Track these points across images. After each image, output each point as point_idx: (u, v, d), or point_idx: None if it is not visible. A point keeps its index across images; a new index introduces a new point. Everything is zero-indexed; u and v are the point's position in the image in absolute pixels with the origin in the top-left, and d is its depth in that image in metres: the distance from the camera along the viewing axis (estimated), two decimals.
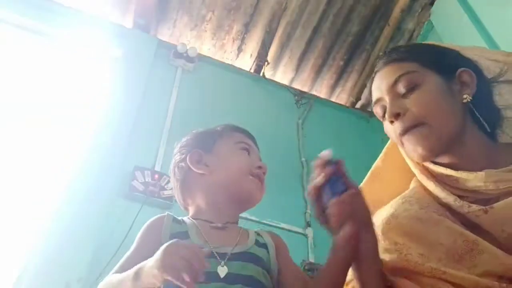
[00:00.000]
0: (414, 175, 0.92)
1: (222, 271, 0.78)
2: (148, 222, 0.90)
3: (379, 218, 0.86)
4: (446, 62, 0.87)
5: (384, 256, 0.80)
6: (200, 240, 0.84)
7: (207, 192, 0.93)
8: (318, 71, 2.97)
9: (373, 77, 0.93)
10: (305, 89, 2.98)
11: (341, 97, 3.08)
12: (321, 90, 3.04)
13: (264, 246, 0.89)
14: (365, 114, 3.07)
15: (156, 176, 2.10)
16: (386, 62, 0.90)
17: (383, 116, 0.89)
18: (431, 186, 0.85)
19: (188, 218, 0.93)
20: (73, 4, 2.52)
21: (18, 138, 2.12)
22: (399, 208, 0.84)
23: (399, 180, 0.96)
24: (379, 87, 0.89)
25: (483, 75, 0.89)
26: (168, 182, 2.09)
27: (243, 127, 1.07)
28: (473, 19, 2.23)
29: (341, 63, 2.95)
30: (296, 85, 2.98)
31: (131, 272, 0.73)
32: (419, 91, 0.83)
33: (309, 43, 2.85)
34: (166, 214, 0.90)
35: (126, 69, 2.43)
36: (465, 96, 0.83)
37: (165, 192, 2.06)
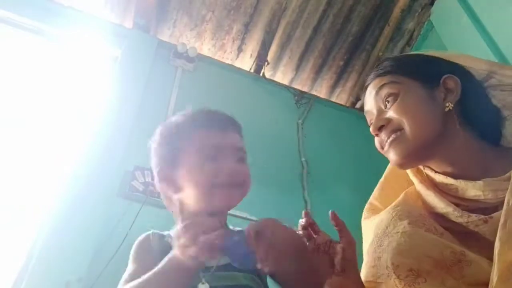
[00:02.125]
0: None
1: (202, 286, 0.77)
2: (136, 243, 0.87)
3: (373, 229, 0.89)
4: (429, 70, 0.89)
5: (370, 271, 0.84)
6: None
7: (184, 210, 0.88)
8: (318, 71, 2.97)
9: (364, 91, 0.97)
10: (305, 89, 2.99)
11: (341, 97, 3.08)
12: (321, 90, 3.04)
13: None
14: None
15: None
16: (373, 76, 0.93)
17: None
18: (430, 195, 0.87)
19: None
20: (73, 4, 2.52)
21: (18, 138, 2.12)
22: (390, 225, 0.86)
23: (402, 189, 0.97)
24: (368, 101, 0.93)
25: (472, 78, 0.89)
26: None
27: (243, 127, 1.05)
28: (473, 19, 2.23)
29: (341, 63, 2.95)
30: (296, 85, 2.98)
31: (151, 273, 0.73)
32: (399, 101, 0.86)
33: (309, 43, 2.85)
34: (151, 232, 0.88)
35: (126, 69, 2.43)
36: (447, 104, 0.85)
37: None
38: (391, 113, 0.86)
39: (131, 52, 2.50)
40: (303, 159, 2.59)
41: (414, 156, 0.85)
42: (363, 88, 3.02)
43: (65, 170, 2.08)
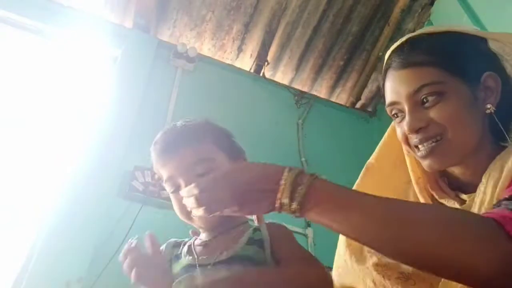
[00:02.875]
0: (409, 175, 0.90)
1: (201, 282, 0.79)
2: None
3: None
4: (472, 67, 0.79)
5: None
6: (190, 257, 0.87)
7: None
8: (318, 71, 2.97)
9: (386, 74, 0.85)
10: (305, 89, 2.98)
11: (341, 97, 3.08)
12: (321, 90, 3.04)
13: (259, 242, 0.87)
14: (365, 114, 3.07)
15: (156, 176, 2.10)
16: (405, 63, 0.81)
17: (396, 117, 0.84)
18: (421, 200, 0.84)
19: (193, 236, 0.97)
20: (73, 4, 2.52)
21: (18, 138, 2.12)
22: None
23: (394, 177, 0.92)
24: (397, 91, 0.81)
25: (507, 75, 0.81)
26: None
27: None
28: (473, 19, 2.23)
29: (341, 63, 2.95)
30: (296, 85, 2.98)
31: None
32: (443, 103, 0.76)
33: (309, 43, 2.85)
34: (166, 243, 0.95)
35: (126, 69, 2.43)
36: (488, 106, 0.77)
37: (165, 192, 2.05)
38: (432, 115, 0.77)
39: (131, 52, 2.50)
40: (303, 159, 2.59)
41: (452, 163, 0.79)
42: (363, 87, 3.04)
43: (65, 170, 2.08)
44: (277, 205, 0.64)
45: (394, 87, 0.82)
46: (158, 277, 0.81)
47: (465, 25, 0.87)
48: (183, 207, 0.85)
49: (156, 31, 2.70)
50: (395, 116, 0.84)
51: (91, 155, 2.08)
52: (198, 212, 0.67)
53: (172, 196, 0.91)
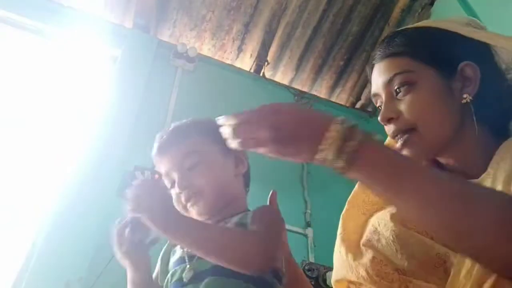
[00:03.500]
0: None
1: (187, 274, 0.81)
2: None
3: (369, 227, 0.86)
4: (447, 56, 0.78)
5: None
6: (182, 250, 0.88)
7: None
8: (318, 71, 2.97)
9: (371, 67, 0.86)
10: (305, 89, 2.99)
11: (341, 97, 3.08)
12: (321, 90, 3.04)
13: (243, 226, 0.85)
14: (365, 114, 3.07)
15: (156, 176, 2.10)
16: (382, 55, 0.82)
17: (380, 109, 0.85)
18: None
19: None
20: (73, 4, 2.52)
21: (18, 138, 2.12)
22: (381, 223, 0.83)
23: None
24: (376, 82, 0.83)
25: (493, 65, 0.80)
26: None
27: (214, 121, 1.05)
28: None
29: (341, 63, 2.95)
30: (296, 85, 2.98)
31: None
32: (413, 93, 0.77)
33: (309, 43, 2.85)
34: None
35: (126, 69, 2.43)
36: (465, 96, 0.77)
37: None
38: (403, 106, 0.78)
39: (131, 52, 2.50)
40: None
41: (429, 155, 0.80)
42: (363, 87, 3.04)
43: (65, 170, 2.08)
44: (317, 157, 0.60)
45: (374, 79, 0.84)
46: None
47: (456, 20, 0.84)
48: (179, 201, 0.90)
49: (156, 31, 2.70)
50: (380, 108, 0.84)
51: (91, 155, 2.08)
52: (232, 144, 0.66)
53: (171, 192, 0.94)
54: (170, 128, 1.02)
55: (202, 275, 0.79)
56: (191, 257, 0.83)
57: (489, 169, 0.73)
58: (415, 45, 0.80)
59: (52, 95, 2.32)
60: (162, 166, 0.96)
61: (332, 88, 3.05)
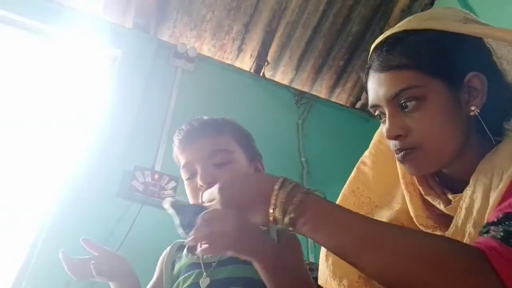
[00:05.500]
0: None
1: (204, 282, 0.81)
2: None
3: None
4: (454, 67, 0.75)
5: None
6: (193, 256, 0.88)
7: None
8: (318, 71, 2.97)
9: (367, 74, 0.82)
10: (305, 89, 2.99)
11: (341, 97, 3.08)
12: (321, 90, 3.04)
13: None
14: (365, 114, 3.07)
15: (156, 176, 2.10)
16: (383, 66, 0.78)
17: (380, 118, 0.83)
18: (407, 197, 0.83)
19: None
20: (73, 4, 2.52)
21: (18, 138, 2.12)
22: None
23: (385, 173, 0.91)
24: (376, 94, 0.79)
25: (499, 75, 0.77)
26: (168, 182, 2.10)
27: (243, 127, 1.05)
28: None
29: (341, 63, 2.95)
30: (296, 85, 2.98)
31: None
32: (423, 110, 0.73)
33: (309, 43, 2.85)
34: (172, 243, 0.96)
35: (126, 69, 2.43)
36: (472, 108, 0.73)
37: (165, 192, 2.06)
38: (413, 124, 0.74)
39: (131, 52, 2.50)
40: (303, 159, 2.59)
41: (431, 170, 0.77)
42: (363, 88, 3.03)
43: (65, 170, 2.08)
44: (271, 218, 0.64)
45: (374, 90, 0.79)
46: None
47: (452, 14, 0.80)
48: (196, 194, 0.88)
49: (156, 31, 2.70)
50: (379, 117, 0.82)
51: (91, 155, 2.08)
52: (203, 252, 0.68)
53: (186, 183, 0.92)
54: (202, 119, 0.99)
55: (218, 284, 0.80)
56: (208, 265, 0.83)
57: (470, 182, 0.72)
58: (419, 56, 0.75)
59: (52, 95, 2.31)
60: (186, 154, 0.93)
61: (332, 88, 3.05)
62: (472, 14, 0.82)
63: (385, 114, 0.78)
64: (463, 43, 0.75)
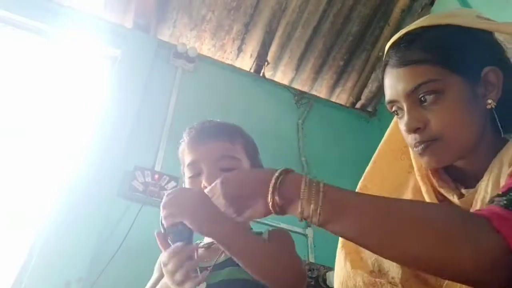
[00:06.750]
0: (411, 164, 0.89)
1: (200, 286, 0.80)
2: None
3: None
4: (471, 62, 0.77)
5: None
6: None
7: None
8: (318, 71, 2.97)
9: (384, 70, 0.84)
10: (305, 89, 2.99)
11: (341, 97, 3.08)
12: (321, 90, 3.04)
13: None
14: (365, 114, 3.08)
15: (156, 176, 2.10)
16: (402, 61, 0.79)
17: (397, 114, 0.84)
18: (423, 189, 0.84)
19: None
20: (73, 4, 2.52)
21: (18, 138, 2.12)
22: None
23: (396, 167, 0.92)
24: (395, 89, 0.80)
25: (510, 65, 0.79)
26: (168, 182, 2.10)
27: (243, 127, 1.06)
28: None
29: (341, 63, 2.95)
30: (296, 85, 2.98)
31: None
32: (441, 103, 0.75)
33: (309, 43, 2.85)
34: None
35: (126, 69, 2.43)
36: (489, 101, 0.75)
37: (165, 192, 2.06)
38: (430, 117, 0.76)
39: (131, 52, 2.50)
40: (303, 159, 2.59)
41: (450, 161, 0.78)
42: (363, 87, 3.04)
43: (66, 170, 2.08)
44: (276, 209, 0.65)
45: (392, 85, 0.81)
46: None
47: (466, 13, 0.83)
48: None
49: (156, 31, 2.70)
50: (396, 113, 0.83)
51: (91, 155, 2.07)
52: None
53: (188, 181, 0.93)
54: (215, 121, 1.00)
55: (214, 287, 0.80)
56: (203, 269, 0.82)
57: (484, 176, 0.74)
58: (438, 51, 0.77)
59: (52, 95, 2.31)
60: (195, 153, 0.93)
61: (332, 88, 3.05)
62: (482, 13, 0.84)
63: (403, 110, 0.80)
64: (478, 39, 0.78)
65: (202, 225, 0.69)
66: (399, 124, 0.83)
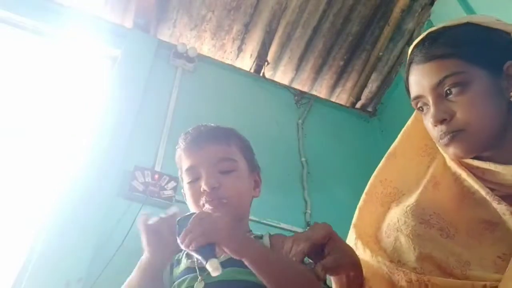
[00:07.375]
0: (431, 159, 0.91)
1: (199, 286, 0.81)
2: None
3: (386, 221, 0.86)
4: (494, 56, 0.80)
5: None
6: (189, 261, 0.89)
7: None
8: (318, 71, 2.97)
9: (409, 69, 0.87)
10: (305, 89, 2.99)
11: (341, 97, 3.08)
12: (321, 90, 3.04)
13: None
14: (365, 114, 3.08)
15: (156, 176, 2.10)
16: (427, 57, 0.82)
17: (422, 110, 0.86)
18: (463, 175, 0.84)
19: None
20: (73, 4, 2.52)
21: (18, 138, 2.12)
22: (401, 220, 0.84)
23: (416, 162, 0.94)
24: (421, 85, 0.83)
25: None
26: (168, 182, 2.10)
27: (243, 127, 1.06)
28: None
29: (341, 63, 2.95)
30: (296, 85, 2.98)
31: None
32: (467, 94, 0.78)
33: (309, 43, 2.85)
34: None
35: (126, 69, 2.43)
36: None
37: (165, 192, 2.06)
38: (456, 107, 0.79)
39: (131, 52, 2.50)
40: (303, 159, 2.59)
41: (476, 152, 0.81)
42: (363, 87, 3.04)
43: (66, 170, 2.08)
44: None
45: (418, 81, 0.84)
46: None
47: (485, 16, 0.89)
48: (197, 198, 0.90)
49: (156, 31, 2.70)
50: (421, 109, 0.86)
51: (91, 155, 2.07)
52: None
53: (187, 187, 0.94)
54: (210, 125, 1.01)
55: (213, 287, 0.80)
56: (202, 269, 0.82)
57: None
58: (462, 45, 0.81)
59: (52, 95, 2.31)
60: (192, 158, 0.94)
61: (332, 88, 3.05)
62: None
63: (428, 105, 0.83)
64: (498, 35, 0.82)
65: (239, 246, 0.73)
66: (424, 119, 0.86)
